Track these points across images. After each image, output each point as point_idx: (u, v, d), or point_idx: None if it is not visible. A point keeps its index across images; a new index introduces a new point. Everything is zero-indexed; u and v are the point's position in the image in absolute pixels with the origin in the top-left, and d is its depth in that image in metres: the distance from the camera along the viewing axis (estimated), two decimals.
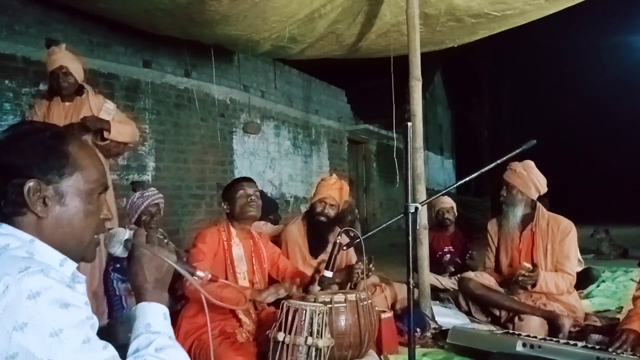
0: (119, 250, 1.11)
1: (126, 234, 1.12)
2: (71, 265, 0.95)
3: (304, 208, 3.24)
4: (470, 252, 4.50)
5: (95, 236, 1.03)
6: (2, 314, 0.76)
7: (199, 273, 1.17)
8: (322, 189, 3.27)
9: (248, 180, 2.72)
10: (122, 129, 3.15)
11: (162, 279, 1.07)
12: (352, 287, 2.98)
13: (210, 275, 1.20)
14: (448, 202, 4.70)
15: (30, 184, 0.90)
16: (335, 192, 3.24)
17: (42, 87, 4.94)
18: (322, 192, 3.24)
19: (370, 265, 2.85)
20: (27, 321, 0.76)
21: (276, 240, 3.26)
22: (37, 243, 0.91)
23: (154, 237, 1.10)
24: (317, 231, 3.22)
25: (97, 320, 0.87)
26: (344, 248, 2.68)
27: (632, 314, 2.46)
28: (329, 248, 2.75)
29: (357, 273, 2.84)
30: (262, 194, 4.80)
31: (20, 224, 0.91)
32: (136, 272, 1.06)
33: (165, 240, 1.13)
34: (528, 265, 3.01)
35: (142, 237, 1.09)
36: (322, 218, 3.19)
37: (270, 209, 4.41)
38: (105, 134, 3.05)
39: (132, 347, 0.96)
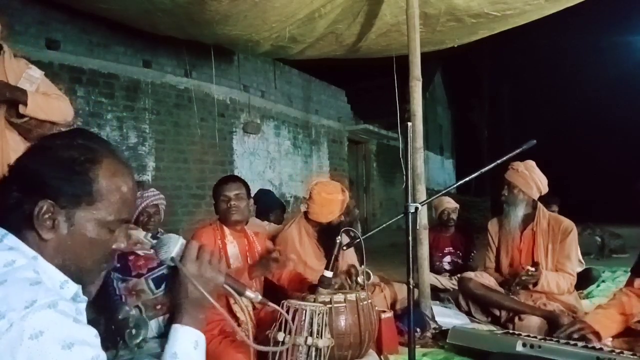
0: (167, 261, 1.04)
1: (177, 245, 1.03)
2: (72, 287, 0.92)
3: (304, 208, 3.20)
4: (472, 253, 4.51)
5: (104, 265, 0.97)
6: (3, 353, 0.73)
7: (249, 294, 1.08)
8: (326, 207, 3.08)
9: (231, 181, 2.64)
10: (46, 104, 2.42)
11: (205, 300, 1.01)
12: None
13: (260, 297, 1.11)
14: (452, 202, 4.70)
15: (44, 205, 0.86)
16: (340, 206, 3.14)
17: None
18: (328, 212, 3.08)
19: (370, 280, 2.82)
20: None
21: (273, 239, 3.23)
22: (39, 261, 0.87)
23: (204, 255, 1.03)
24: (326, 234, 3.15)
25: (104, 356, 0.83)
26: (344, 248, 2.68)
27: (597, 308, 2.64)
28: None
29: (354, 281, 2.83)
30: (266, 193, 4.81)
31: (26, 238, 0.88)
32: (178, 288, 1.01)
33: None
34: (531, 268, 3.01)
35: (193, 251, 1.03)
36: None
37: (272, 208, 4.38)
38: (22, 108, 2.32)
39: None
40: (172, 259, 1.02)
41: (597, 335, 2.44)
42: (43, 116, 2.40)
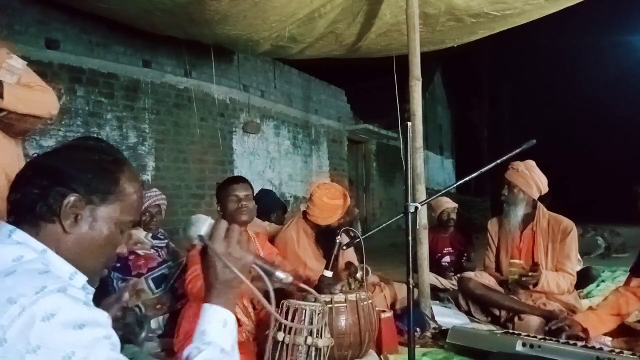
0: (196, 239, 1.04)
1: (206, 225, 1.04)
2: (81, 278, 0.94)
3: (304, 208, 3.18)
4: (466, 255, 4.51)
5: (105, 270, 1.00)
6: (17, 337, 0.75)
7: (279, 274, 1.07)
8: (326, 211, 3.06)
9: (241, 181, 2.66)
10: (28, 96, 2.15)
11: (235, 280, 1.02)
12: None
13: (291, 279, 1.09)
14: (452, 203, 4.70)
15: (72, 198, 0.90)
16: (340, 211, 3.12)
17: None
18: (328, 216, 3.06)
19: (368, 277, 2.82)
20: (40, 344, 0.75)
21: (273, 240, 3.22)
22: (49, 254, 0.90)
23: (234, 234, 1.03)
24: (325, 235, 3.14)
25: (117, 338, 0.85)
26: (344, 248, 2.68)
27: (588, 310, 2.73)
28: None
29: (353, 280, 2.83)
30: (268, 193, 4.81)
31: (42, 230, 0.91)
32: (208, 268, 1.02)
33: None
34: (518, 261, 3.03)
35: (222, 230, 1.03)
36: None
37: (274, 208, 4.37)
38: None
39: (185, 353, 0.96)
40: (201, 237, 1.03)
41: (586, 333, 2.52)
42: (24, 110, 2.14)
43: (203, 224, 1.04)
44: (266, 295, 1.03)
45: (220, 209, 2.61)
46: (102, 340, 0.80)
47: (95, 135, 5.40)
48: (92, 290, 0.97)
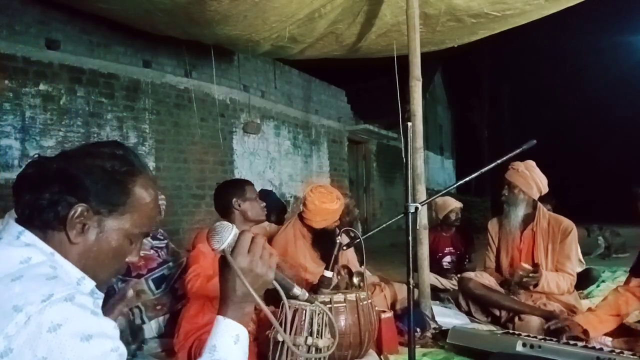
0: (218, 251, 1.01)
1: (230, 236, 0.99)
2: (89, 283, 0.92)
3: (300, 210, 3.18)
4: (468, 256, 4.52)
5: (113, 279, 0.98)
6: (23, 347, 0.74)
7: (296, 291, 1.07)
8: (319, 215, 3.08)
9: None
10: None
11: (250, 296, 0.98)
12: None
13: (307, 295, 1.10)
14: (457, 202, 4.71)
15: (79, 208, 0.88)
16: (335, 215, 3.14)
17: (42, 87, 4.94)
18: (322, 219, 3.08)
19: (366, 279, 2.83)
20: (46, 355, 0.74)
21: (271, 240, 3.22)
22: (57, 257, 0.88)
23: (257, 246, 1.00)
24: (321, 236, 3.14)
25: (124, 349, 0.83)
26: (344, 248, 2.68)
27: (587, 311, 2.77)
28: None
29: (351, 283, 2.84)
30: (268, 193, 4.82)
31: (48, 236, 0.89)
32: (227, 279, 0.99)
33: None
34: (527, 266, 3.02)
35: (245, 243, 0.99)
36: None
37: (273, 209, 4.39)
38: None
39: None
40: (224, 250, 0.99)
41: (586, 334, 2.53)
42: None
43: (227, 235, 0.99)
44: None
45: (239, 207, 2.53)
46: (109, 352, 0.79)
47: (97, 137, 5.41)
48: (101, 295, 0.95)
